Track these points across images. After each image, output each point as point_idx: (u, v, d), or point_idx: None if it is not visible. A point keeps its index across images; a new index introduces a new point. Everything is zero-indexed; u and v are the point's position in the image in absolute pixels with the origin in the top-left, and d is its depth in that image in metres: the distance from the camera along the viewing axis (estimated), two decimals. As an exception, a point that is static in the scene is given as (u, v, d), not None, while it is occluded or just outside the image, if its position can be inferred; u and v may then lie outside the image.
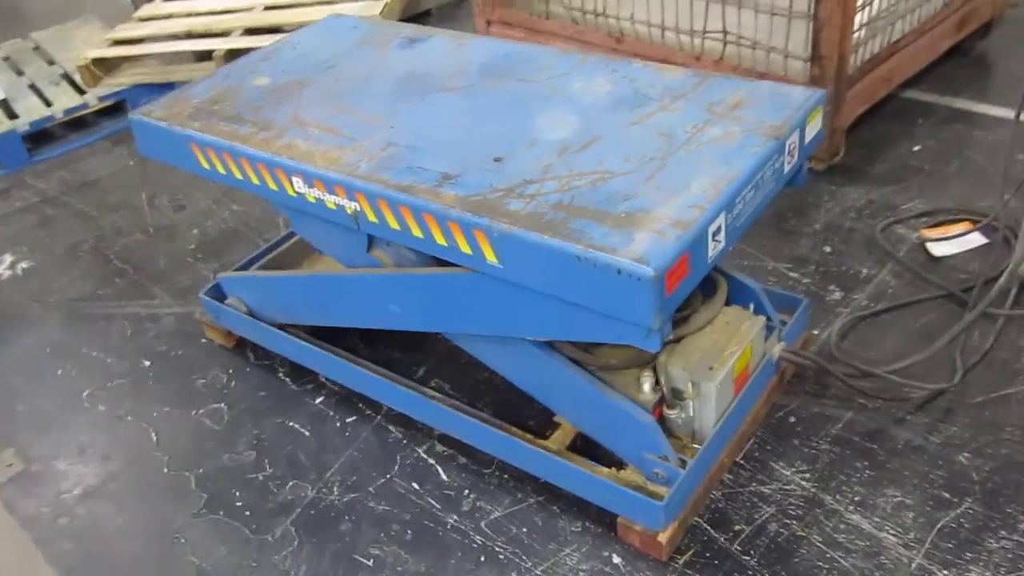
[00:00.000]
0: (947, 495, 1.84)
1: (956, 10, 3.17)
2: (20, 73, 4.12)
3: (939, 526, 1.78)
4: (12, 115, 3.73)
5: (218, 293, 2.47)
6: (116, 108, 3.89)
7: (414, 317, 1.96)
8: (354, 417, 2.23)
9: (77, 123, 3.85)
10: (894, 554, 1.74)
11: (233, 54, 3.81)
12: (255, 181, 1.93)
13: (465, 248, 1.61)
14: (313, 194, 1.82)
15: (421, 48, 2.25)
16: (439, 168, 1.72)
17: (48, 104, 3.79)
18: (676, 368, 1.82)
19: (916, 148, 2.97)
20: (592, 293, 1.48)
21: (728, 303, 1.96)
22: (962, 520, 1.79)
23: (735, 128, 1.72)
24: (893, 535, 1.77)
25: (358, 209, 1.75)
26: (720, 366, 1.83)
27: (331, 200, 1.79)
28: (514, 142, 1.77)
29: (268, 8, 4.10)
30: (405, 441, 2.14)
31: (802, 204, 2.75)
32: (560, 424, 2.01)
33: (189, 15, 4.15)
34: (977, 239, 2.49)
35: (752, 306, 2.00)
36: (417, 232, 1.67)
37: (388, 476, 2.06)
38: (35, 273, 2.98)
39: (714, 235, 1.54)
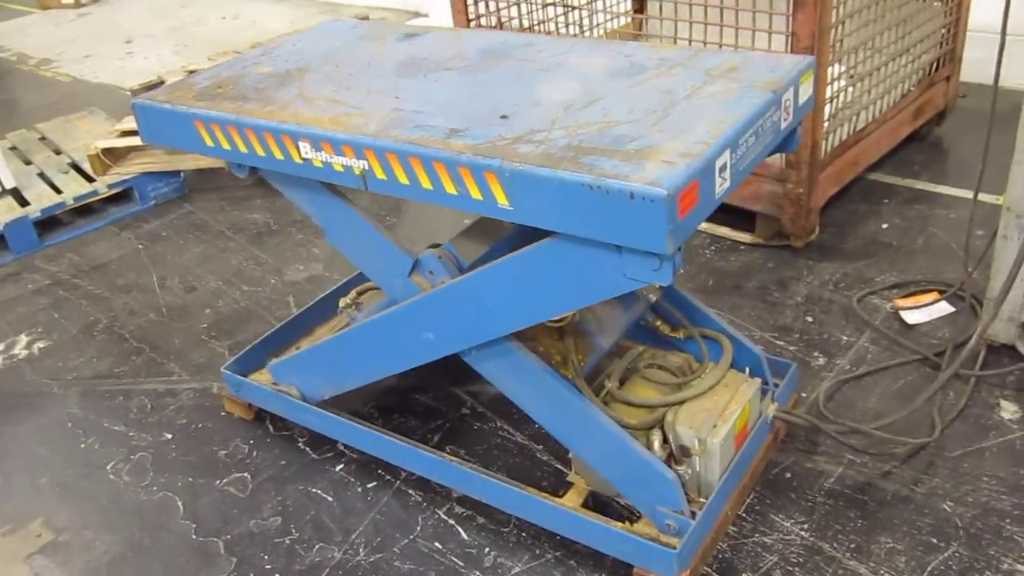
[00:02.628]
0: (935, 540, 1.99)
1: (913, 101, 3.47)
2: (28, 162, 4.28)
3: (929, 568, 1.93)
4: (23, 202, 3.88)
5: (239, 368, 2.60)
6: (122, 195, 4.06)
7: (447, 338, 2.00)
8: (374, 482, 2.35)
9: (84, 209, 4.00)
10: (890, 595, 1.88)
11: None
12: (260, 152, 1.94)
13: (476, 194, 1.62)
14: (320, 158, 1.83)
15: (419, 40, 2.30)
16: (446, 125, 1.74)
17: (58, 191, 3.94)
18: (683, 427, 1.98)
19: (884, 226, 3.22)
20: (605, 224, 1.49)
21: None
22: (950, 563, 1.94)
23: (733, 85, 1.78)
24: (888, 578, 1.92)
25: (366, 168, 1.76)
26: (723, 423, 1.99)
27: (338, 162, 1.80)
28: (519, 104, 1.81)
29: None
30: (425, 504, 2.26)
31: (784, 278, 2.97)
32: (573, 484, 2.15)
33: (194, 107, 4.36)
34: (945, 307, 2.71)
35: (748, 369, 2.18)
36: (427, 184, 1.68)
37: (411, 537, 2.17)
38: (51, 352, 3.08)
39: (720, 171, 1.57)
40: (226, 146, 2.00)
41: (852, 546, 2.00)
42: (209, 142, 2.04)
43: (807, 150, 2.85)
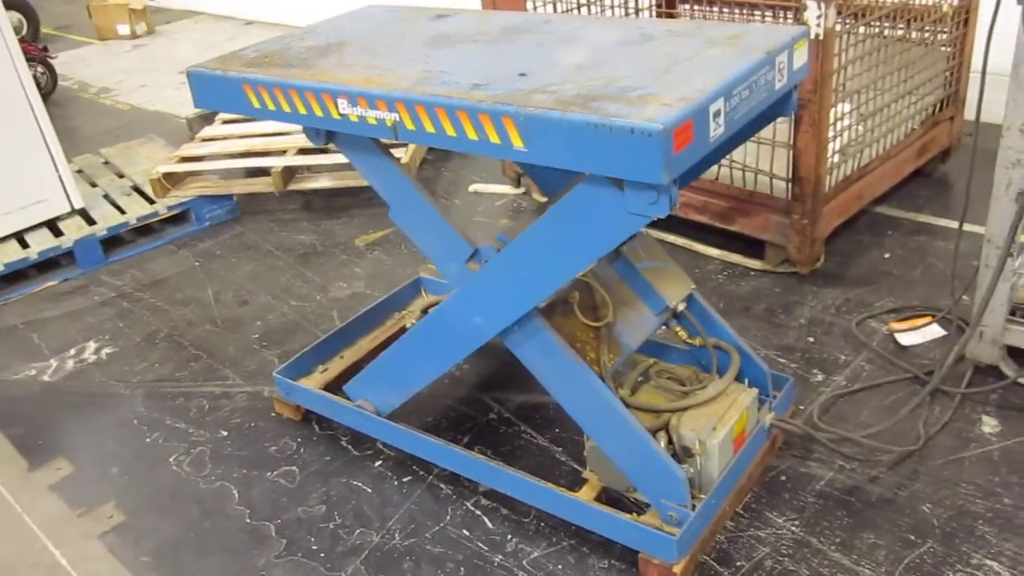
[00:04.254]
0: (912, 537, 2.21)
1: (918, 139, 3.70)
2: (94, 185, 4.63)
3: (906, 562, 2.14)
4: (90, 221, 4.22)
5: (289, 373, 2.88)
6: (179, 217, 4.39)
7: (493, 317, 2.19)
8: (409, 477, 2.60)
9: (145, 229, 4.33)
10: (869, 583, 2.10)
11: (289, 171, 4.35)
12: (302, 111, 2.14)
13: (494, 138, 1.81)
14: (356, 112, 2.03)
15: (449, 20, 2.52)
16: (470, 81, 1.94)
17: (122, 212, 4.28)
18: (686, 430, 2.22)
19: (886, 255, 3.44)
20: (609, 159, 1.67)
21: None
22: (925, 556, 2.15)
23: (731, 49, 1.97)
24: (868, 569, 2.13)
25: (397, 120, 1.96)
26: (721, 427, 2.23)
27: (372, 115, 2.00)
28: (536, 65, 2.02)
29: (317, 131, 4.65)
30: (454, 496, 2.51)
31: (789, 302, 3.20)
32: (587, 480, 2.39)
33: (246, 136, 4.71)
34: (937, 330, 2.93)
35: (747, 380, 2.42)
36: (451, 131, 1.88)
37: (441, 525, 2.42)
38: (118, 358, 3.39)
39: (715, 116, 1.74)
40: (271, 107, 2.21)
41: (837, 540, 2.22)
42: (256, 104, 2.25)
43: (810, 184, 3.10)
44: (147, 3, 8.68)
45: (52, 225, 4.20)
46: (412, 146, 4.29)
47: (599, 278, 2.32)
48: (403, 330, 3.20)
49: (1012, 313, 2.59)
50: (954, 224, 3.61)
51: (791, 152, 3.11)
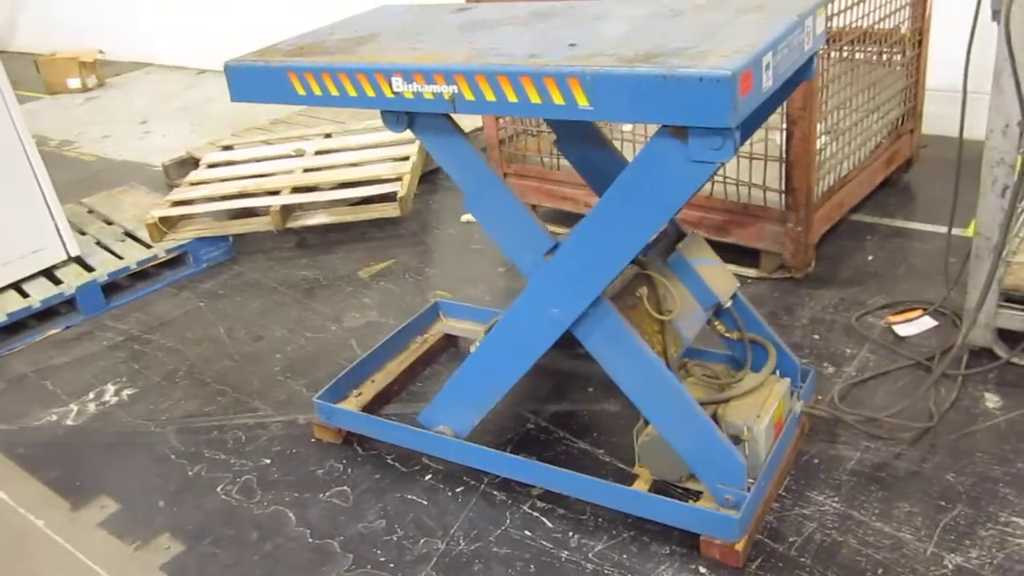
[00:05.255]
0: (943, 503, 2.42)
1: (885, 151, 4.01)
2: (83, 232, 4.63)
3: (942, 524, 2.35)
4: (87, 268, 4.23)
5: (329, 397, 2.97)
6: (177, 260, 4.42)
7: (568, 304, 2.25)
8: (461, 487, 2.71)
9: (142, 274, 4.34)
10: (913, 546, 2.29)
11: (287, 209, 4.44)
12: (352, 93, 2.17)
13: (559, 100, 1.88)
14: (411, 89, 2.07)
15: (473, 11, 2.58)
16: (523, 52, 2.02)
17: (119, 257, 4.30)
18: (734, 418, 2.40)
19: (870, 257, 3.71)
20: (676, 108, 1.75)
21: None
22: (958, 519, 2.36)
23: (763, 15, 2.09)
24: (909, 534, 2.33)
25: (456, 92, 2.01)
26: (764, 414, 2.42)
27: (429, 90, 2.05)
28: (581, 37, 2.09)
29: (307, 171, 4.76)
30: (510, 501, 2.63)
31: (790, 305, 3.43)
32: (638, 475, 2.54)
33: (236, 178, 4.78)
34: (929, 322, 3.18)
35: (777, 372, 2.61)
36: (512, 97, 1.94)
37: (503, 528, 2.53)
38: (140, 398, 3.42)
39: (766, 68, 1.84)
40: (318, 92, 2.23)
41: (877, 512, 2.41)
42: (301, 91, 2.27)
43: (803, 194, 3.34)
44: (97, 56, 8.66)
45: (48, 273, 4.20)
46: (407, 178, 4.43)
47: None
48: (429, 352, 3.34)
49: (1001, 299, 2.85)
50: (924, 226, 3.92)
51: (783, 165, 3.36)
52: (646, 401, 2.32)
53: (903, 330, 3.16)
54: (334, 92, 2.22)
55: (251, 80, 2.37)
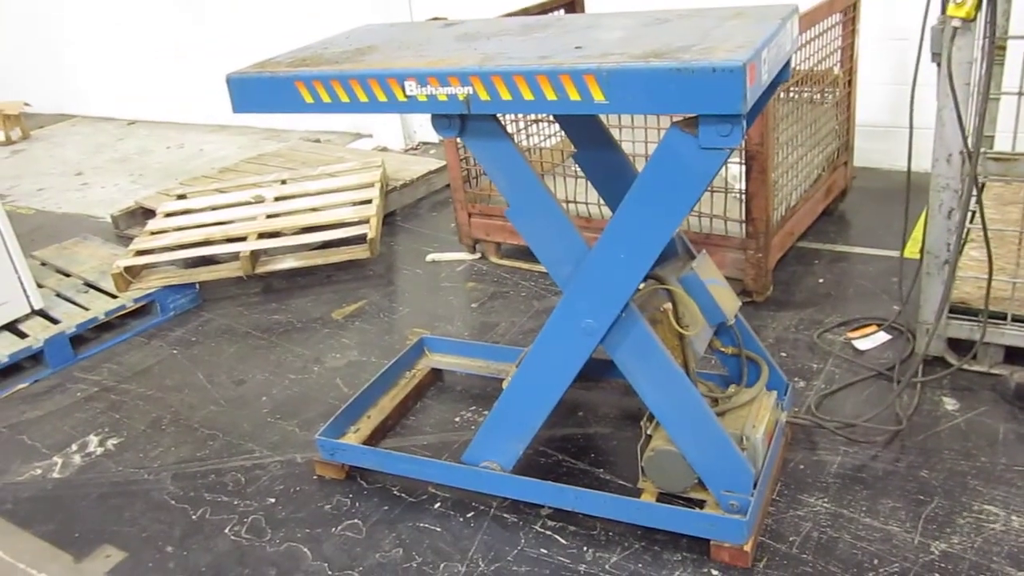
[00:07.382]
0: (922, 497, 2.65)
1: (824, 183, 4.34)
2: (40, 285, 4.56)
3: (924, 516, 2.58)
4: (52, 320, 4.18)
5: (331, 434, 3.03)
6: (143, 309, 4.40)
7: (601, 311, 2.33)
8: (472, 512, 2.81)
9: (107, 325, 4.31)
10: (901, 537, 2.51)
11: (255, 255, 4.48)
12: (363, 99, 2.19)
13: (574, 96, 1.96)
14: (425, 92, 2.11)
15: (463, 25, 2.64)
16: (533, 54, 2.09)
17: (85, 308, 4.26)
18: (733, 429, 2.59)
19: (820, 280, 4.00)
20: (690, 98, 1.86)
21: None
22: (936, 510, 2.59)
23: (747, 20, 2.21)
24: (896, 526, 2.55)
25: (471, 93, 2.06)
26: (759, 423, 2.61)
27: (443, 92, 2.09)
28: (583, 42, 2.17)
29: (270, 216, 4.82)
30: (521, 523, 2.74)
31: (754, 326, 3.66)
32: (643, 489, 2.70)
33: (198, 226, 4.80)
34: (884, 336, 3.46)
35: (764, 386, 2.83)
36: (528, 96, 2.01)
37: (519, 548, 2.64)
38: (127, 447, 3.40)
39: (763, 63, 1.97)
40: (326, 99, 2.25)
41: (864, 508, 2.63)
42: (309, 99, 2.27)
43: (762, 223, 3.61)
44: (22, 109, 8.48)
45: (12, 327, 4.13)
46: (373, 220, 4.53)
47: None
48: (418, 387, 3.44)
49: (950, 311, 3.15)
50: (864, 250, 4.24)
51: (743, 196, 3.62)
52: (668, 412, 2.45)
53: (861, 344, 3.43)
54: (344, 99, 2.24)
55: (255, 91, 2.36)
